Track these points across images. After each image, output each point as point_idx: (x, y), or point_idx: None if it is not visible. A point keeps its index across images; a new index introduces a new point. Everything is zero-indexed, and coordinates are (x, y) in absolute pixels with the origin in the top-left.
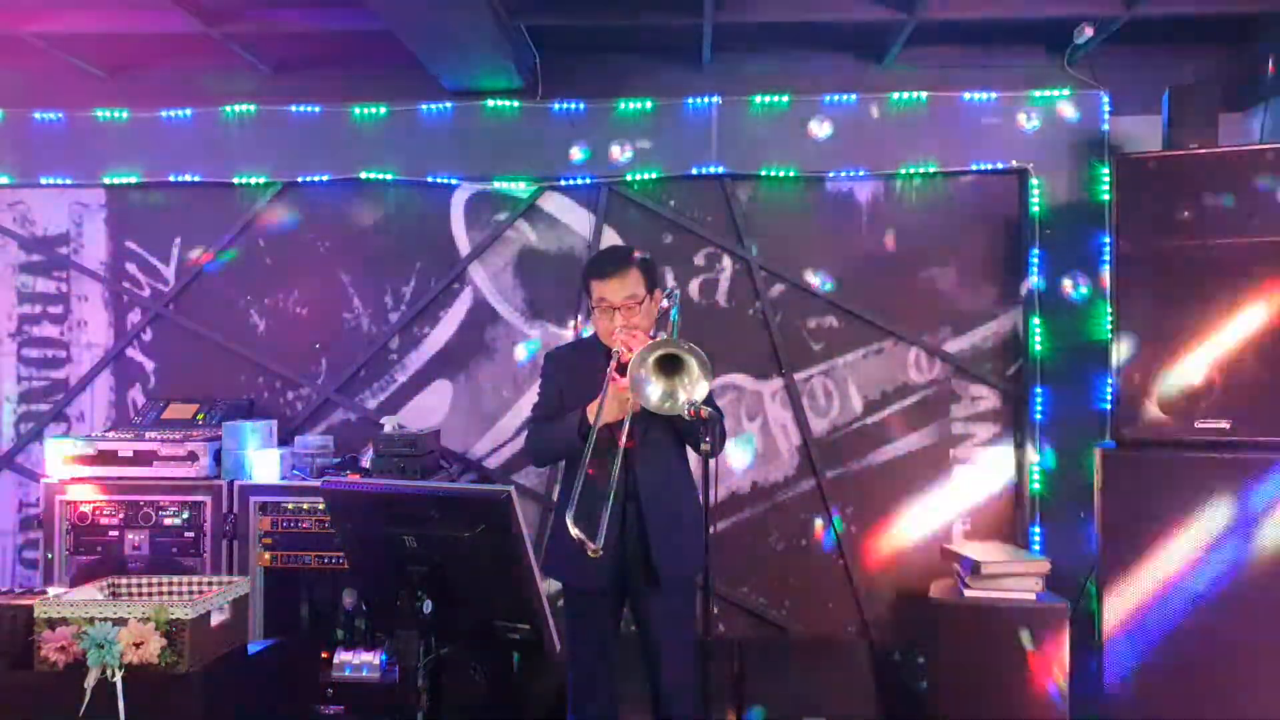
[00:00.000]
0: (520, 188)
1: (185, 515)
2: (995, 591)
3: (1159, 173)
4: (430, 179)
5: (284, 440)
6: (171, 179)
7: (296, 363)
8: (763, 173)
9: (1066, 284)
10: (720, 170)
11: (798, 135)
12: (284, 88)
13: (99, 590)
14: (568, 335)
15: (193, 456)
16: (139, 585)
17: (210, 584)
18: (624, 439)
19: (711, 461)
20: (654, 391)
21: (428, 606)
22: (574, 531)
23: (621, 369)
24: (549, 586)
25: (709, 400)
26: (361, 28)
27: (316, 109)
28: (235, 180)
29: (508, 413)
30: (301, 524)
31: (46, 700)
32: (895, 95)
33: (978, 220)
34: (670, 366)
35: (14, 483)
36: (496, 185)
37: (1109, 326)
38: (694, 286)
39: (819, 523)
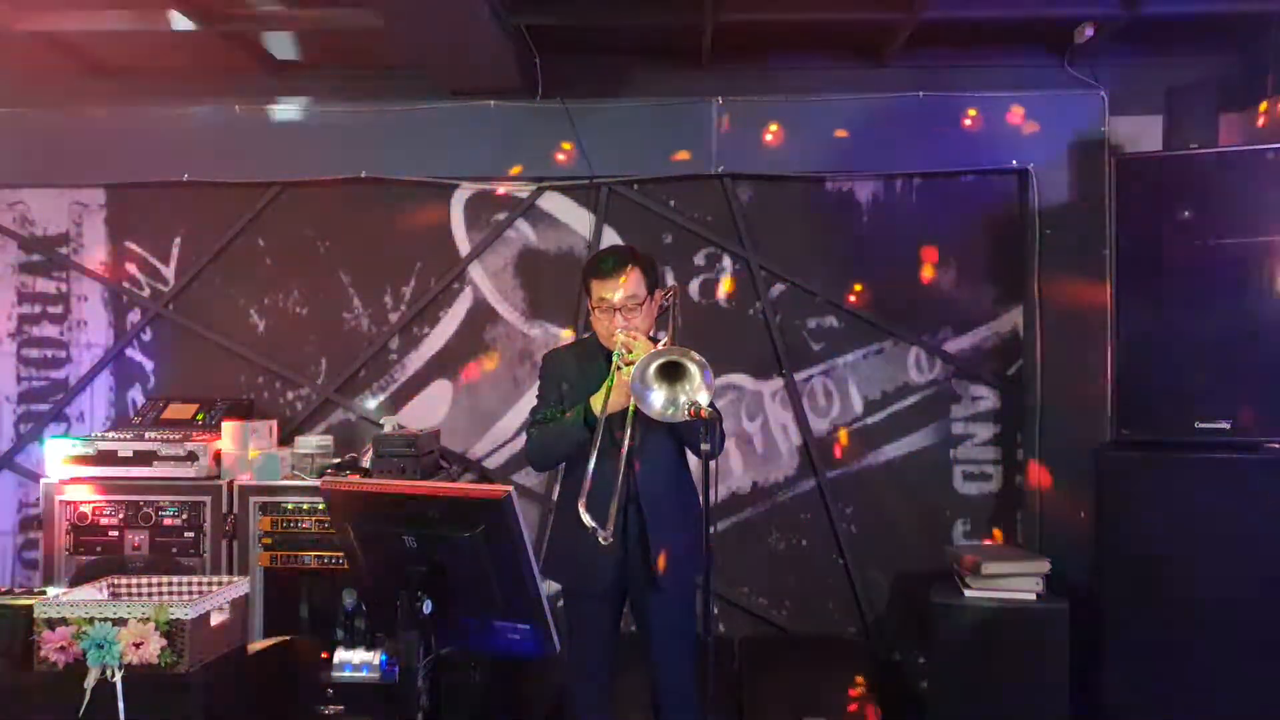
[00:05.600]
0: (520, 188)
1: (185, 515)
2: (995, 591)
3: (1159, 173)
4: (430, 179)
5: (284, 440)
6: (171, 179)
7: (296, 363)
8: (763, 173)
9: (1066, 284)
10: (720, 170)
11: (798, 135)
12: (284, 88)
13: (99, 590)
14: (568, 335)
15: (193, 456)
16: (139, 585)
17: (210, 584)
18: (626, 439)
19: (711, 462)
20: (657, 399)
21: (428, 606)
22: (586, 519)
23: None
24: (549, 587)
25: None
26: (361, 27)
27: (316, 109)
28: (235, 180)
29: (508, 413)
30: (301, 524)
31: (46, 700)
32: (895, 95)
33: (978, 220)
34: (672, 373)
35: (14, 483)
36: (496, 185)
37: (1109, 326)
38: (694, 286)
39: (819, 523)
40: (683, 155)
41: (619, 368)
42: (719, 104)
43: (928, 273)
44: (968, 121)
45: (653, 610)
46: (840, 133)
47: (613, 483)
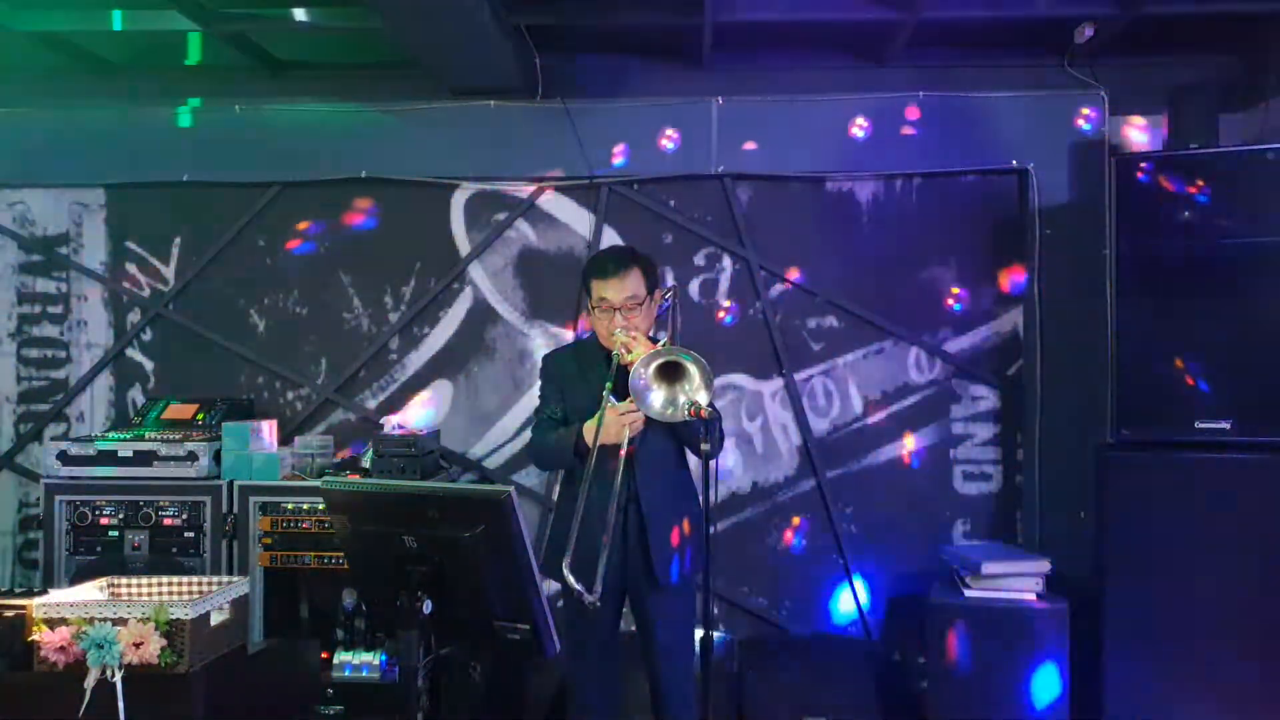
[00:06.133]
0: (520, 188)
1: (185, 515)
2: (995, 591)
3: (1159, 173)
4: (430, 179)
5: (284, 440)
6: (171, 179)
7: (296, 363)
8: (763, 173)
9: (1066, 284)
10: (720, 170)
11: (798, 135)
12: (284, 88)
13: (99, 590)
14: (567, 335)
15: (193, 456)
16: (139, 585)
17: (210, 584)
18: (624, 449)
19: (711, 462)
20: (656, 399)
21: (428, 606)
22: (570, 581)
23: (622, 377)
24: (549, 586)
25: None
26: (361, 27)
27: (316, 109)
28: (235, 180)
29: (508, 413)
30: (301, 524)
31: (46, 700)
32: (895, 95)
33: (978, 220)
34: (672, 373)
35: (14, 483)
36: (496, 185)
37: (1109, 326)
38: (694, 286)
39: (819, 523)
40: (682, 155)
41: (610, 402)
42: (719, 104)
43: (928, 273)
44: (968, 121)
45: (652, 610)
46: (840, 132)
47: (608, 506)
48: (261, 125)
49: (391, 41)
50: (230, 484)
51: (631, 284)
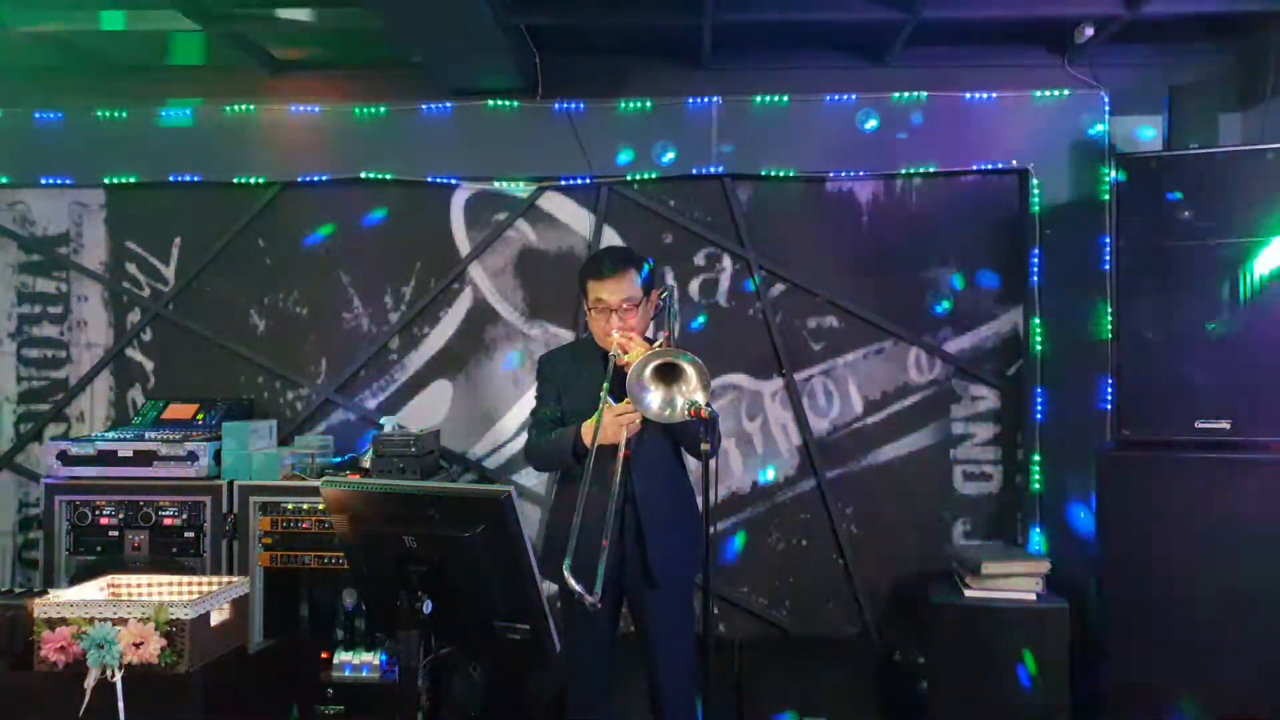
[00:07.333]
0: (520, 188)
1: (185, 515)
2: (995, 591)
3: (1159, 173)
4: (430, 179)
5: (284, 440)
6: (171, 179)
7: (296, 363)
8: (763, 173)
9: (1066, 284)
10: (720, 170)
11: (798, 135)
12: (284, 88)
13: (99, 590)
14: (567, 335)
15: (193, 456)
16: (139, 585)
17: (210, 584)
18: (622, 450)
19: (711, 462)
20: (654, 400)
21: (428, 606)
22: (571, 584)
23: (619, 378)
24: (548, 587)
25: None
26: (361, 27)
27: (316, 109)
28: (235, 180)
29: (508, 413)
30: (301, 524)
31: (46, 700)
32: (895, 95)
33: (978, 220)
34: (669, 374)
35: (14, 483)
36: (496, 185)
37: (1109, 326)
38: (694, 286)
39: (819, 523)
40: (682, 155)
41: (608, 404)
42: (719, 104)
43: (928, 273)
44: (967, 121)
45: (651, 610)
46: (840, 132)
47: (607, 507)
48: (261, 125)
49: (391, 41)
50: (230, 484)
51: (628, 285)
